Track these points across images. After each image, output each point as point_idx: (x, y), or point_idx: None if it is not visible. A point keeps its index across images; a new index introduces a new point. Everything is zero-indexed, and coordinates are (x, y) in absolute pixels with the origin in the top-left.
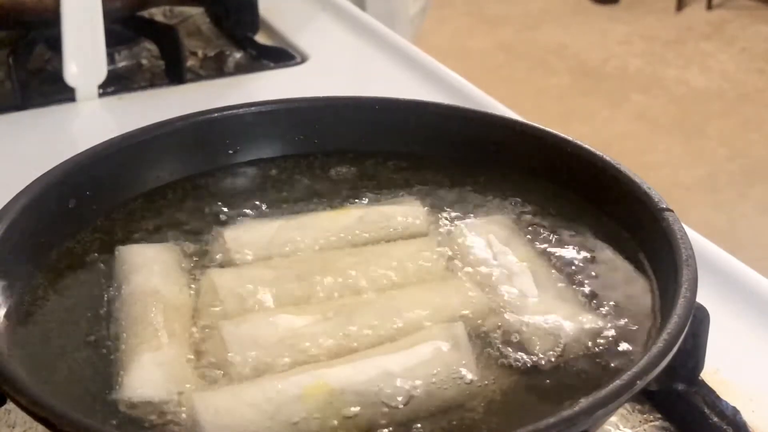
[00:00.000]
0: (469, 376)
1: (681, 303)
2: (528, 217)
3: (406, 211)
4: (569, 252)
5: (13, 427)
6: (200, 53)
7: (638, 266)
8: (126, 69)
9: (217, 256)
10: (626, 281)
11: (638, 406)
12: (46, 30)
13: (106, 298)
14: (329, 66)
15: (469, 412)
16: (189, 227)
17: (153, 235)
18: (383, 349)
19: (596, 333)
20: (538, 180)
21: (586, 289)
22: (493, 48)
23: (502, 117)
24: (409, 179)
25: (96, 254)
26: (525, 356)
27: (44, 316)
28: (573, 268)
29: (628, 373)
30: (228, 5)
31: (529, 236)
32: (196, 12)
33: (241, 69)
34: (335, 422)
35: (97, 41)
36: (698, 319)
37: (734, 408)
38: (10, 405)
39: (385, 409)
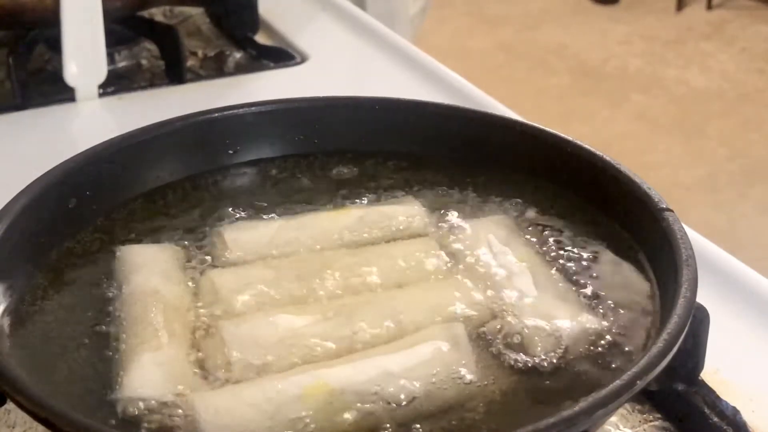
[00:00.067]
0: (469, 377)
1: (681, 303)
2: (528, 217)
3: (406, 211)
4: (569, 252)
5: (13, 427)
6: (200, 53)
7: (638, 266)
8: (126, 69)
9: (217, 256)
10: (626, 281)
11: (638, 406)
12: (46, 30)
13: (105, 298)
14: (329, 66)
15: (469, 412)
16: (189, 227)
17: (153, 235)
18: (383, 349)
19: (596, 333)
20: (538, 180)
21: (586, 289)
22: (493, 48)
23: (502, 117)
24: (409, 179)
25: (96, 254)
26: (525, 356)
27: (44, 316)
28: (573, 268)
29: (628, 373)
30: (228, 5)
31: (529, 236)
32: (196, 12)
33: (241, 69)
34: (335, 422)
35: (97, 41)
36: (698, 319)
37: (734, 408)
38: (10, 405)
39: (385, 409)
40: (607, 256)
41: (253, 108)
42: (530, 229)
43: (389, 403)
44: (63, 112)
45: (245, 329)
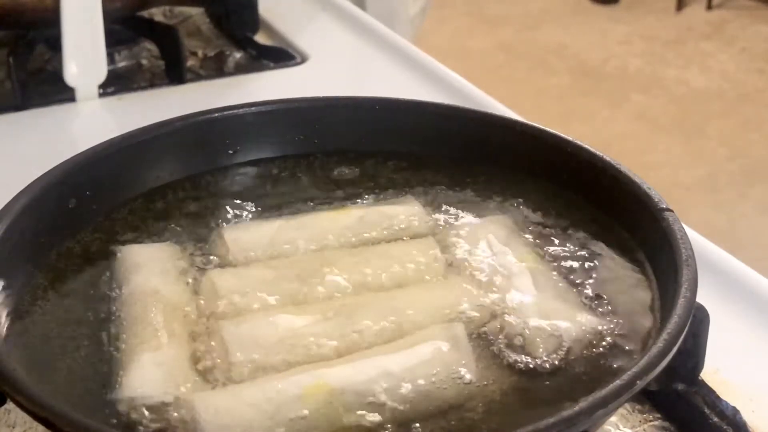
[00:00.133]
0: (469, 377)
1: (681, 303)
2: (528, 217)
3: (406, 211)
4: (569, 252)
5: (13, 427)
6: (200, 53)
7: (638, 266)
8: (126, 69)
9: (217, 256)
10: (626, 281)
11: (638, 406)
12: (46, 30)
13: (105, 298)
14: (329, 66)
15: (469, 412)
16: (189, 227)
17: (153, 235)
18: (383, 349)
19: (596, 333)
20: (538, 180)
21: (586, 290)
22: (493, 48)
23: (502, 117)
24: (409, 179)
25: (96, 254)
26: (524, 356)
27: (44, 316)
28: (573, 268)
29: (628, 373)
30: (228, 5)
31: (529, 236)
32: (196, 12)
33: (241, 69)
34: (335, 422)
35: (97, 41)
36: (698, 319)
37: (734, 408)
38: (10, 405)
39: (385, 409)
40: (607, 256)
41: (253, 108)
42: (530, 229)
43: (389, 403)
44: (63, 112)
45: (245, 329)
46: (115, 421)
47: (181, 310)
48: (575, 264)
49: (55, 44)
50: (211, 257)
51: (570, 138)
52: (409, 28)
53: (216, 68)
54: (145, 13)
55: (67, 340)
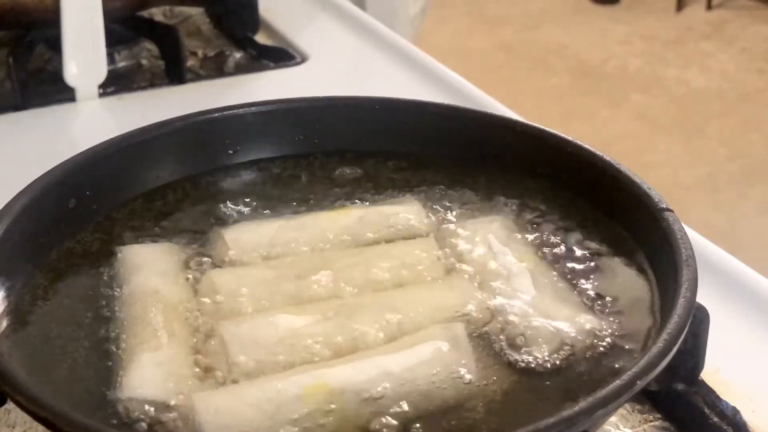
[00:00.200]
0: (469, 376)
1: (681, 303)
2: (528, 217)
3: (406, 211)
4: (569, 252)
5: (13, 427)
6: (200, 53)
7: (638, 266)
8: (126, 69)
9: (217, 256)
10: (626, 281)
11: (638, 406)
12: (46, 30)
13: (106, 298)
14: (329, 66)
15: (469, 412)
16: (189, 227)
17: (153, 235)
18: (383, 349)
19: (596, 333)
20: (538, 180)
21: (586, 290)
22: (493, 48)
23: (502, 117)
24: (409, 179)
25: (96, 254)
26: (524, 356)
27: (44, 316)
28: (573, 268)
29: (628, 373)
30: (228, 5)
31: (528, 236)
32: (196, 12)
33: (241, 69)
34: (335, 422)
35: (97, 41)
36: (698, 319)
37: (734, 408)
38: (10, 405)
39: (385, 409)
40: (607, 256)
41: (253, 108)
42: (530, 229)
43: (389, 403)
44: (63, 112)
45: (245, 329)
46: (115, 421)
47: (181, 311)
48: (575, 264)
49: (55, 44)
50: (211, 257)
51: (570, 138)
52: (409, 28)
53: (216, 68)
54: (145, 13)
55: (67, 340)
